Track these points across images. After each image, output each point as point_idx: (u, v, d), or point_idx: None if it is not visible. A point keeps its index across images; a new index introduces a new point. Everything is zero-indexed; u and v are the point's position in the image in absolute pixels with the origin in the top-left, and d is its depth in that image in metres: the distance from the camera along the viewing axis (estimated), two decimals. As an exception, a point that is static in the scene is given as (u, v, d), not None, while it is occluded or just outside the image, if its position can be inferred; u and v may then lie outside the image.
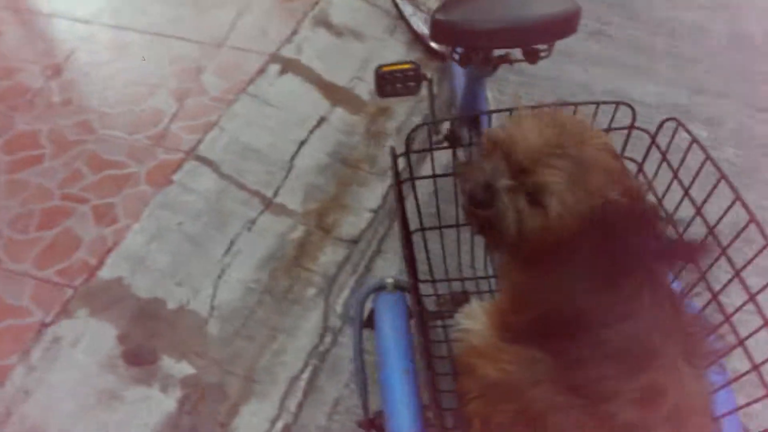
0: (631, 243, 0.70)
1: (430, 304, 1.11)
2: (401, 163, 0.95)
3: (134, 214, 1.67)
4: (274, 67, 2.04)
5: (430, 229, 1.04)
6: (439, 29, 1.03)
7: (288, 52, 2.09)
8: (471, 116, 1.38)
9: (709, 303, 0.79)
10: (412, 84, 1.45)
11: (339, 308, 1.57)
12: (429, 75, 1.46)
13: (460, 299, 1.08)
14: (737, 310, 0.75)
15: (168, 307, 1.54)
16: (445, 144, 1.55)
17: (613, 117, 0.88)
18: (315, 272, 1.64)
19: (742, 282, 0.74)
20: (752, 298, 0.73)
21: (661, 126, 0.89)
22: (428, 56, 2.12)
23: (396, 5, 2.18)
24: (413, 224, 1.03)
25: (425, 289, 1.07)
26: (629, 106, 0.91)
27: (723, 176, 0.76)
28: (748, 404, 0.77)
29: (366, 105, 2.02)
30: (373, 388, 1.04)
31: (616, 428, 0.72)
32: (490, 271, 1.16)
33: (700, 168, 0.80)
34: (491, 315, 0.95)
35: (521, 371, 0.79)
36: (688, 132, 0.82)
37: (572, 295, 0.77)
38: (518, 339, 0.86)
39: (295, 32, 2.15)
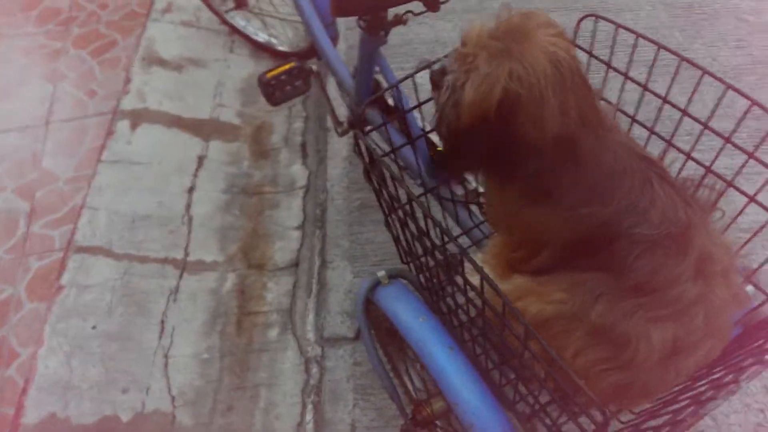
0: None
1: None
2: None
3: (34, 339, 1.40)
4: (123, 124, 1.83)
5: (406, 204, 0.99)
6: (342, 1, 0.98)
7: (130, 103, 1.89)
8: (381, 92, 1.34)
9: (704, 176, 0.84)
10: (299, 83, 1.38)
11: (311, 335, 1.46)
12: (314, 68, 1.40)
13: (455, 262, 1.04)
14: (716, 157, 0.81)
15: (123, 420, 1.32)
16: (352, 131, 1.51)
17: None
18: (268, 312, 1.51)
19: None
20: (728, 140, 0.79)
21: (579, 24, 0.92)
22: (279, 61, 2.04)
23: (225, 22, 2.06)
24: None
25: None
26: None
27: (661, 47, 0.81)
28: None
29: (240, 128, 1.89)
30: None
31: (686, 308, 0.74)
32: (471, 224, 1.15)
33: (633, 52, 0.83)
34: (497, 262, 0.94)
35: (576, 295, 0.79)
36: (611, 21, 0.86)
37: (580, 220, 0.78)
38: (541, 271, 0.86)
39: (128, 81, 1.94)
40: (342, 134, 1.52)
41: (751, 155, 0.78)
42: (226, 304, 1.53)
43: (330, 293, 1.51)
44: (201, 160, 1.80)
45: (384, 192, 0.87)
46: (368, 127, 1.05)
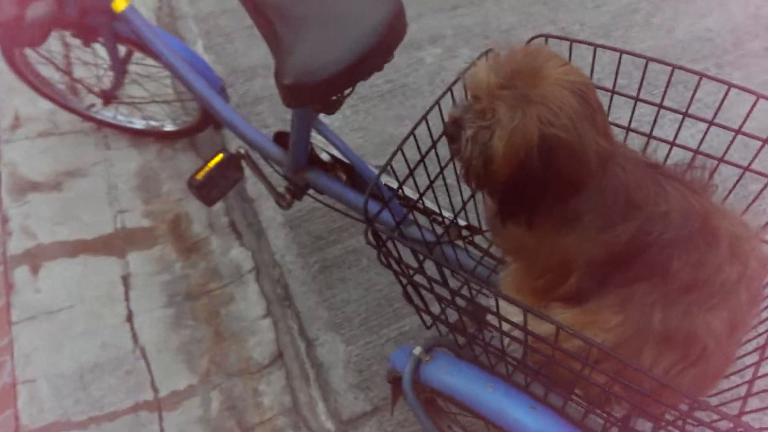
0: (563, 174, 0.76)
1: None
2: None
3: None
4: (21, 272, 1.60)
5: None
6: (294, 93, 0.92)
7: (18, 245, 1.65)
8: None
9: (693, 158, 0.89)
10: (232, 172, 1.28)
11: (329, 424, 1.38)
12: (242, 151, 1.30)
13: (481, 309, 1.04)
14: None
15: None
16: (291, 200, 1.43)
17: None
18: (273, 418, 1.42)
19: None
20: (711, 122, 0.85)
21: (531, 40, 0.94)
22: (167, 142, 1.88)
23: (90, 118, 1.86)
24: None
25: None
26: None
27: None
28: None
29: (153, 229, 1.73)
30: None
31: (732, 290, 0.79)
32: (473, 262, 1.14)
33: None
34: (522, 294, 0.94)
35: (630, 312, 0.81)
36: (563, 38, 0.88)
37: (609, 240, 0.81)
38: (572, 297, 0.88)
39: (5, 220, 1.69)
40: (288, 207, 1.44)
41: (738, 131, 0.85)
42: (222, 427, 1.40)
43: (330, 372, 1.44)
44: (126, 280, 1.62)
45: (402, 268, 0.84)
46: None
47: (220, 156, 1.25)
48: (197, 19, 2.20)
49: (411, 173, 0.93)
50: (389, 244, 0.88)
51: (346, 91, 0.98)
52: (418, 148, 0.92)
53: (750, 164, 0.87)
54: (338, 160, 1.39)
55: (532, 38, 0.94)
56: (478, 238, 1.23)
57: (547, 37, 0.93)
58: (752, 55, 2.01)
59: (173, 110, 1.90)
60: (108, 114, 1.86)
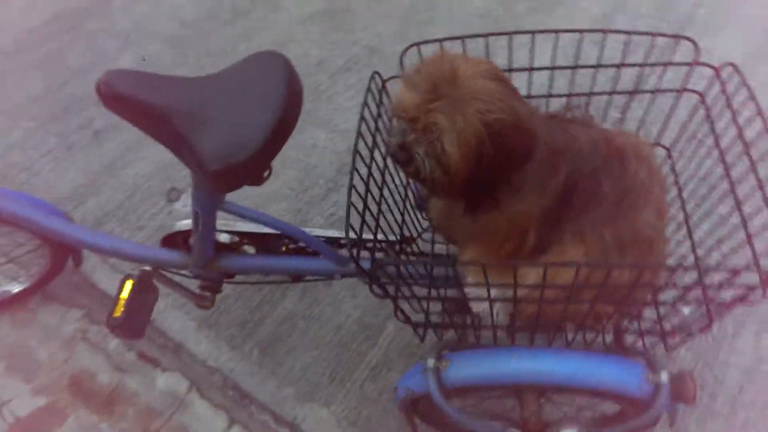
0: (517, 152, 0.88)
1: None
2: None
3: None
4: None
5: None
6: (227, 176, 0.87)
7: None
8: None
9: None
10: (146, 294, 1.17)
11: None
12: (146, 268, 1.19)
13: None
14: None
15: None
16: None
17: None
18: None
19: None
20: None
21: (404, 53, 1.02)
22: (13, 308, 1.61)
23: None
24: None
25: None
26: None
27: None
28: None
29: (54, 404, 1.48)
30: None
31: (644, 188, 0.96)
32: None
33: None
34: (490, 255, 1.03)
35: (586, 242, 0.94)
36: (435, 40, 0.98)
37: (549, 194, 0.93)
38: (536, 250, 0.99)
39: None
40: (211, 305, 1.35)
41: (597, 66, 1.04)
42: None
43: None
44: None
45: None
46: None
47: (129, 282, 1.13)
48: (-17, 165, 1.93)
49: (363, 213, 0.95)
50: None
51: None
52: (368, 188, 0.95)
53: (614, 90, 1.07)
54: (244, 235, 1.34)
55: (407, 49, 1.03)
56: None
57: (419, 44, 1.03)
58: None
59: (8, 270, 1.64)
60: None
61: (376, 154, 1.01)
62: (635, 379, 0.95)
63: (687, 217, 1.07)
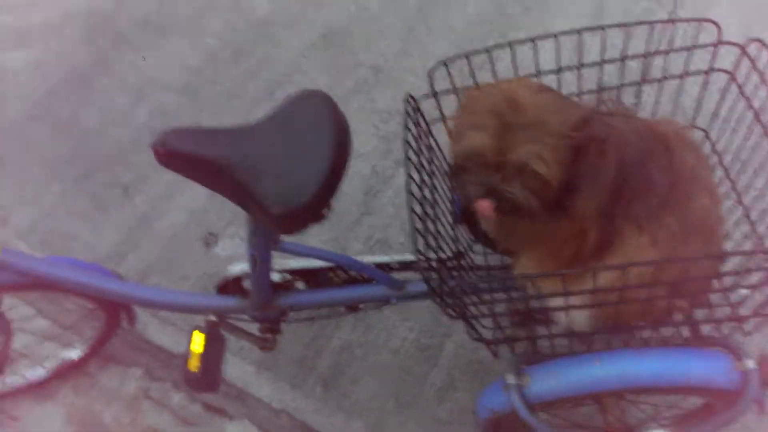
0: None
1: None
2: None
3: None
4: None
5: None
6: (290, 218, 0.91)
7: None
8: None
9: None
10: (215, 344, 1.18)
11: None
12: (212, 318, 1.21)
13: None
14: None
15: None
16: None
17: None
18: None
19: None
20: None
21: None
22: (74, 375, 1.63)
23: None
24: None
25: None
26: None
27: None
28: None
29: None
30: None
31: (693, 174, 0.96)
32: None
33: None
34: (551, 260, 1.03)
35: (650, 231, 0.94)
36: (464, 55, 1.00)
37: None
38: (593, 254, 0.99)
39: None
40: (273, 346, 1.36)
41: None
42: None
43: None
44: None
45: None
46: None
47: (199, 335, 1.14)
48: (20, 234, 1.96)
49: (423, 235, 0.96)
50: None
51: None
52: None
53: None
54: (294, 272, 1.36)
55: (435, 67, 1.05)
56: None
57: (446, 61, 1.04)
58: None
59: (63, 338, 1.66)
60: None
61: (424, 174, 1.02)
62: (722, 370, 0.95)
63: (740, 196, 1.07)
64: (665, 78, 1.10)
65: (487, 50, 1.08)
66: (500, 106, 0.84)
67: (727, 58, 1.05)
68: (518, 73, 1.09)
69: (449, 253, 1.20)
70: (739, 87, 1.03)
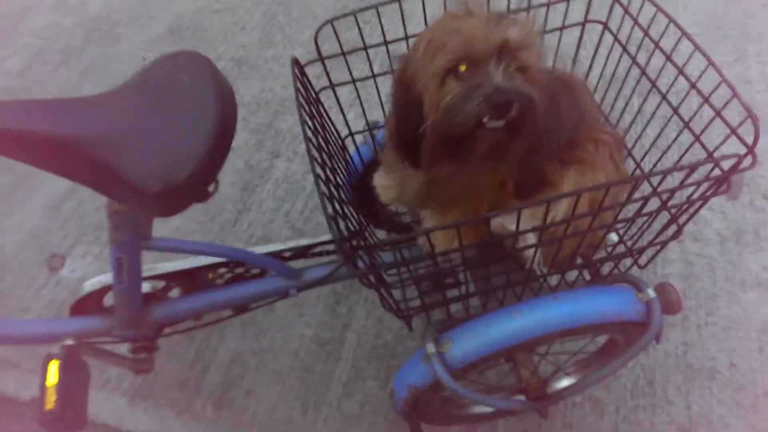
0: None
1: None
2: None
3: None
4: None
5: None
6: (171, 197, 0.73)
7: None
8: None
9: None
10: (76, 373, 0.97)
11: None
12: (70, 342, 0.99)
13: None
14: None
15: None
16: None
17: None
18: None
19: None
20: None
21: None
22: None
23: None
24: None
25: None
26: None
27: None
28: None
29: None
30: None
31: None
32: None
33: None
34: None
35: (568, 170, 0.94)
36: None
37: None
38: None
39: None
40: (151, 368, 1.16)
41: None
42: None
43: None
44: None
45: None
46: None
47: (54, 364, 0.92)
48: None
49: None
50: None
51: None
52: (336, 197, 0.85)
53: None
54: (168, 277, 1.18)
55: (320, 27, 0.95)
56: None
57: (332, 21, 0.95)
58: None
59: None
60: None
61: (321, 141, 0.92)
62: (629, 302, 0.97)
63: (627, 131, 1.12)
64: (546, 32, 1.12)
65: (375, 6, 1.01)
66: (464, 15, 0.76)
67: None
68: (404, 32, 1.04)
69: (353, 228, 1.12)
70: (614, 35, 1.06)
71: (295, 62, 0.93)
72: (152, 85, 0.81)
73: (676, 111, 0.97)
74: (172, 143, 0.75)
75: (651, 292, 0.98)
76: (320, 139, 0.88)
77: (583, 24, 1.11)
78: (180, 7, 2.31)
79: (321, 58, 1.01)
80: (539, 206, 0.86)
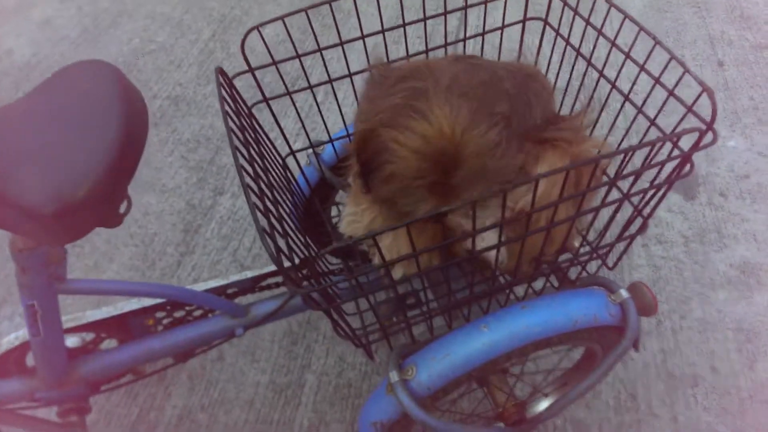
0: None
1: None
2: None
3: None
4: None
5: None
6: (70, 218, 0.63)
7: None
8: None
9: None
10: None
11: None
12: None
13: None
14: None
15: None
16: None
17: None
18: None
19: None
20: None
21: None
22: None
23: None
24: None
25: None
26: None
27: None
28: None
29: None
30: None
31: None
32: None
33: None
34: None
35: None
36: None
37: None
38: None
39: None
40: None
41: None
42: None
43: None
44: None
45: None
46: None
47: None
48: None
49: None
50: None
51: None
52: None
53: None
54: (97, 326, 1.06)
55: (247, 34, 0.89)
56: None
57: (259, 26, 0.89)
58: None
59: None
60: None
61: (257, 165, 0.84)
62: (602, 305, 0.91)
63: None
64: (487, 32, 1.09)
65: (306, 9, 0.95)
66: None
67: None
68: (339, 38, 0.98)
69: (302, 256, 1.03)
70: (555, 30, 1.04)
71: (221, 72, 0.86)
72: (50, 97, 0.72)
73: (627, 97, 0.94)
74: (69, 158, 0.66)
75: (624, 293, 0.93)
76: (253, 152, 0.81)
77: (523, 22, 1.09)
78: (113, 50, 2.24)
79: (250, 69, 0.95)
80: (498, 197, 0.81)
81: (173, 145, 1.87)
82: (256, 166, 0.77)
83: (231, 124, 0.77)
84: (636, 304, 0.93)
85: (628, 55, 0.90)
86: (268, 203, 0.76)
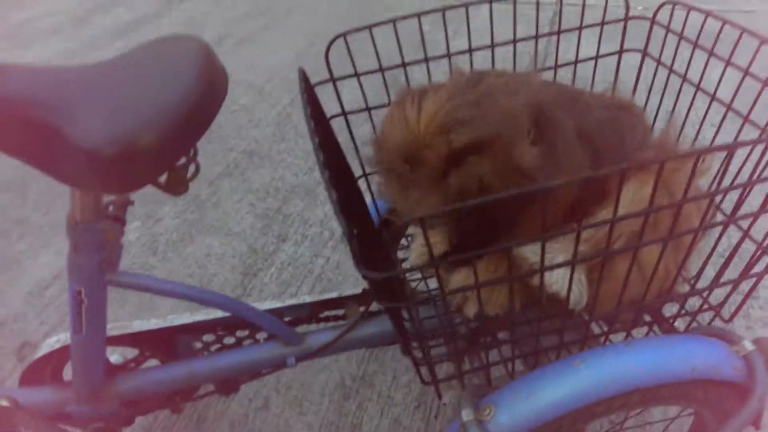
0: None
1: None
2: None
3: None
4: None
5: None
6: (128, 163, 0.58)
7: None
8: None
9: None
10: None
11: None
12: (4, 403, 0.79)
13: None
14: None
15: None
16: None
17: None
18: None
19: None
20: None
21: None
22: None
23: None
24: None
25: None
26: None
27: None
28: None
29: None
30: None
31: None
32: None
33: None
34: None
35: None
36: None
37: None
38: None
39: None
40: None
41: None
42: None
43: None
44: None
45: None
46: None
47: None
48: None
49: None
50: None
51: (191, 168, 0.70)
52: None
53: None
54: (144, 340, 0.99)
55: (334, 39, 0.87)
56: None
57: (345, 35, 0.87)
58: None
59: None
60: None
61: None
62: (722, 355, 0.75)
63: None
64: (580, 60, 1.03)
65: (393, 20, 0.93)
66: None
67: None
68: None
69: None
70: (657, 61, 0.97)
71: (302, 73, 0.83)
72: (134, 58, 0.70)
73: (747, 119, 0.84)
74: (137, 108, 0.62)
75: (748, 345, 0.77)
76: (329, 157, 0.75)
77: (619, 53, 1.03)
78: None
79: (332, 78, 0.92)
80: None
81: (243, 193, 1.87)
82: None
83: (312, 125, 0.72)
84: (765, 359, 0.77)
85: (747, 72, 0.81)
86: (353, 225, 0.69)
